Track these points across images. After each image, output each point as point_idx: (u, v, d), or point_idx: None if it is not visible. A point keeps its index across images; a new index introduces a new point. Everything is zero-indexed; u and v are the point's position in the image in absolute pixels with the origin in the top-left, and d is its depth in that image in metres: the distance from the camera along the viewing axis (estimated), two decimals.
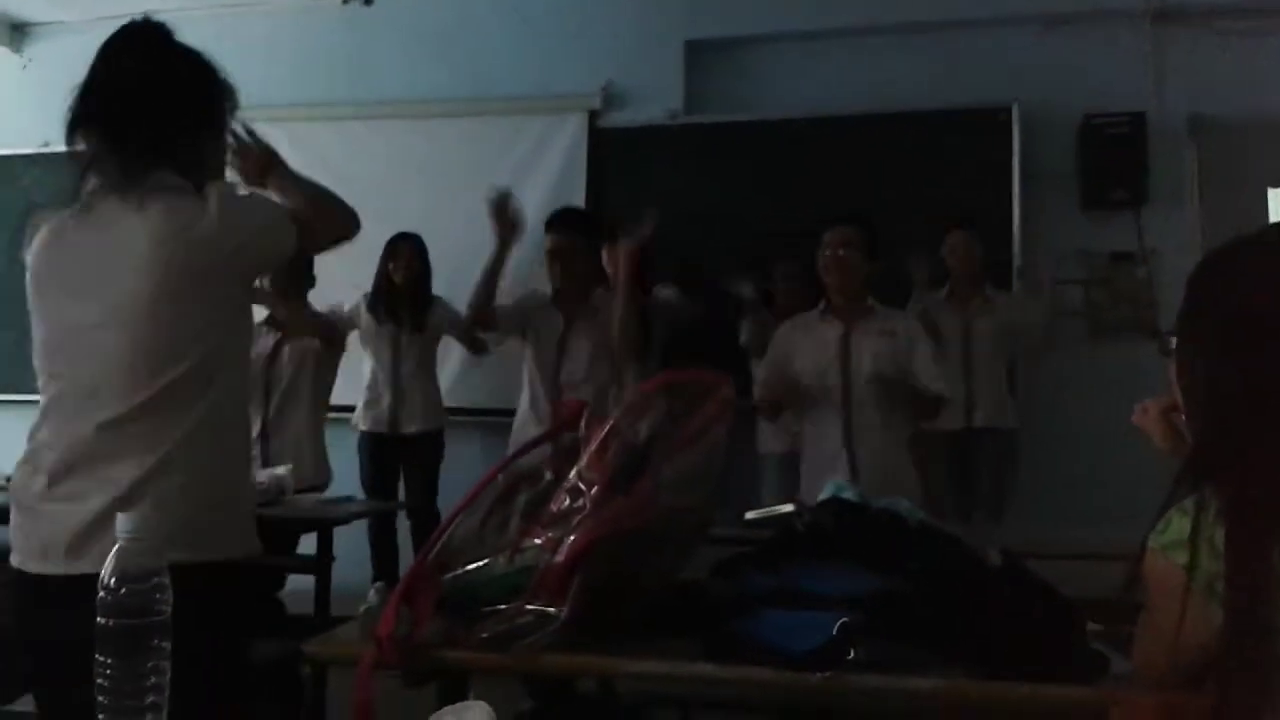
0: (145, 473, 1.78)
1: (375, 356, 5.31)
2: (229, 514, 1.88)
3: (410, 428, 5.28)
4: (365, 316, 5.32)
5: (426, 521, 5.01)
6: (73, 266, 1.90)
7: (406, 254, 5.29)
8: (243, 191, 2.07)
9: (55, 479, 1.82)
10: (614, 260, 5.06)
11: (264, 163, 2.26)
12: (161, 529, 1.06)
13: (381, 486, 5.25)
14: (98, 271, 1.86)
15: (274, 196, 2.17)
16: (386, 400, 5.28)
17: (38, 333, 1.92)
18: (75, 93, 1.98)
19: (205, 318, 1.87)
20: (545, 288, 4.74)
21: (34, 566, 1.81)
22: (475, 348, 5.22)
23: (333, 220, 2.25)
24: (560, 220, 4.62)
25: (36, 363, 1.92)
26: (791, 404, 3.90)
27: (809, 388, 3.81)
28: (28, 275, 1.94)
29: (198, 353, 1.84)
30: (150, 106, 1.93)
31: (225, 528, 1.86)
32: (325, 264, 5.72)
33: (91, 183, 1.95)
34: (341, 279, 5.64)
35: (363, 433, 5.34)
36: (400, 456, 5.33)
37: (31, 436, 1.89)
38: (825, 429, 3.81)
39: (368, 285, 5.44)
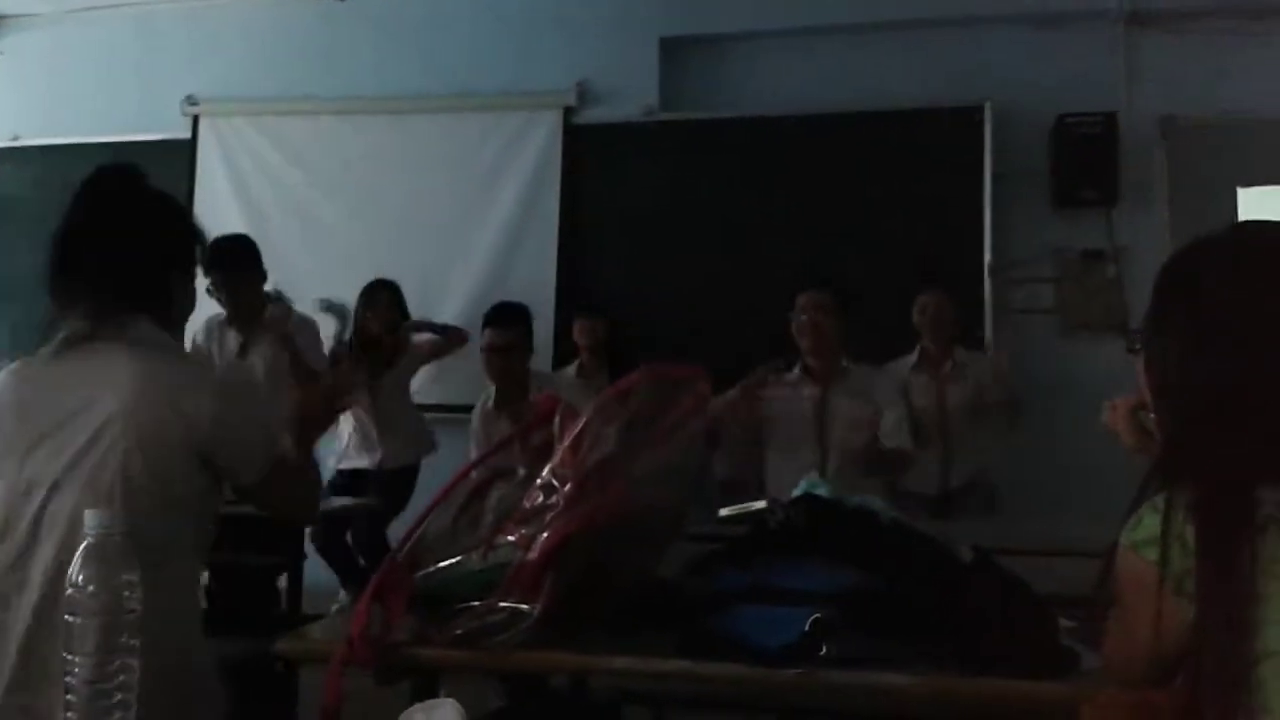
0: None
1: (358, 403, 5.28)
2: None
3: (392, 464, 5.26)
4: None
5: (374, 549, 4.89)
6: (39, 414, 1.78)
7: (384, 302, 5.28)
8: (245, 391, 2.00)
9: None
10: (584, 332, 5.10)
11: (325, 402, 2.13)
12: None
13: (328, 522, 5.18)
14: (64, 423, 1.75)
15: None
16: (374, 439, 5.25)
17: None
18: (55, 238, 1.88)
19: (166, 494, 1.76)
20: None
21: None
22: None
23: (305, 497, 2.06)
24: (495, 317, 4.49)
25: None
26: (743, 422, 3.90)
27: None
28: None
29: (155, 530, 1.66)
30: (125, 252, 1.87)
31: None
32: (298, 260, 5.75)
33: (65, 330, 1.83)
34: (315, 275, 5.64)
35: (339, 471, 5.29)
36: (374, 490, 5.26)
37: None
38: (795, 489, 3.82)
39: (339, 283, 5.41)
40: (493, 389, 4.46)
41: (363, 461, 5.26)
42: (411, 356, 5.36)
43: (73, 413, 1.74)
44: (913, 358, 4.94)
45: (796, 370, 3.99)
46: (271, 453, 1.87)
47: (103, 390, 1.75)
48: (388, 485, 5.17)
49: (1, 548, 1.73)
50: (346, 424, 5.28)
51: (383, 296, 5.28)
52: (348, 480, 5.26)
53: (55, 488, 1.72)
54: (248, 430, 1.86)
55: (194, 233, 2.02)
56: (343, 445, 5.30)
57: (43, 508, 1.72)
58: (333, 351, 4.91)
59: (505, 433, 4.15)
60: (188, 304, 2.02)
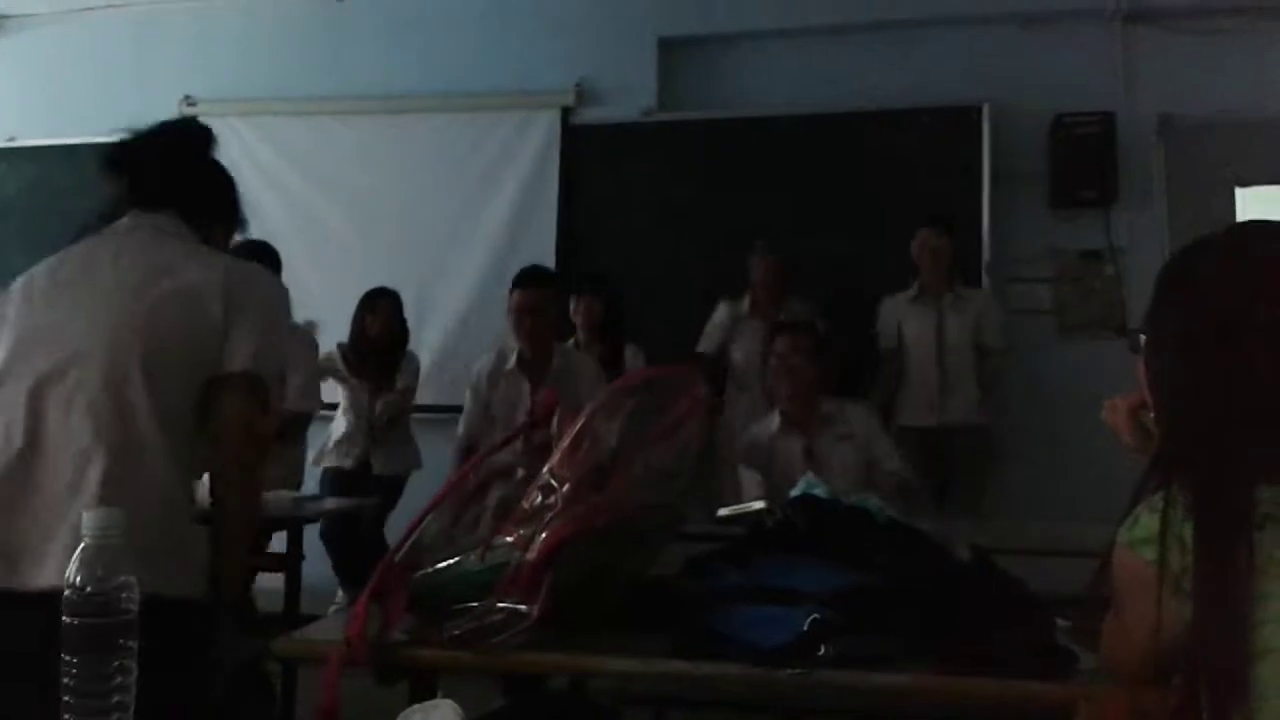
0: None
1: (352, 405, 5.28)
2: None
3: (379, 470, 5.27)
4: (341, 369, 5.28)
5: (371, 551, 4.89)
6: (72, 275, 1.94)
7: (385, 310, 5.26)
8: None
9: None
10: (581, 310, 5.07)
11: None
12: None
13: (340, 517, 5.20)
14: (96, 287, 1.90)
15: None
16: (360, 446, 5.25)
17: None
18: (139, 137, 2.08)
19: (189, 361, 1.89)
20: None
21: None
22: None
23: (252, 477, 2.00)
24: (529, 279, 4.42)
25: None
26: None
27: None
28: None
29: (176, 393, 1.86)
30: (190, 184, 2.08)
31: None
32: (296, 260, 5.73)
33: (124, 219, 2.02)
34: (314, 275, 5.64)
35: (326, 469, 5.30)
36: (364, 490, 5.28)
37: None
38: None
39: (337, 283, 5.42)
40: (513, 353, 4.37)
41: (348, 462, 5.27)
42: (410, 380, 5.35)
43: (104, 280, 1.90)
44: (911, 291, 5.00)
45: (775, 420, 3.88)
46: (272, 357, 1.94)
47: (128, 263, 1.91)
48: (376, 489, 5.19)
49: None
50: (338, 427, 5.28)
51: (383, 303, 5.27)
52: (339, 479, 5.26)
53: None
54: (260, 317, 1.94)
55: (237, 200, 2.19)
56: (329, 445, 5.29)
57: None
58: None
59: (519, 397, 4.25)
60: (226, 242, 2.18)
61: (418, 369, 5.42)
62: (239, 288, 1.93)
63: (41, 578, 1.71)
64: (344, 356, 5.27)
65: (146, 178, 2.04)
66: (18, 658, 1.49)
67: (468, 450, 4.38)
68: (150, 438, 1.81)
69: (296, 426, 4.60)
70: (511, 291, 4.33)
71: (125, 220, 2.00)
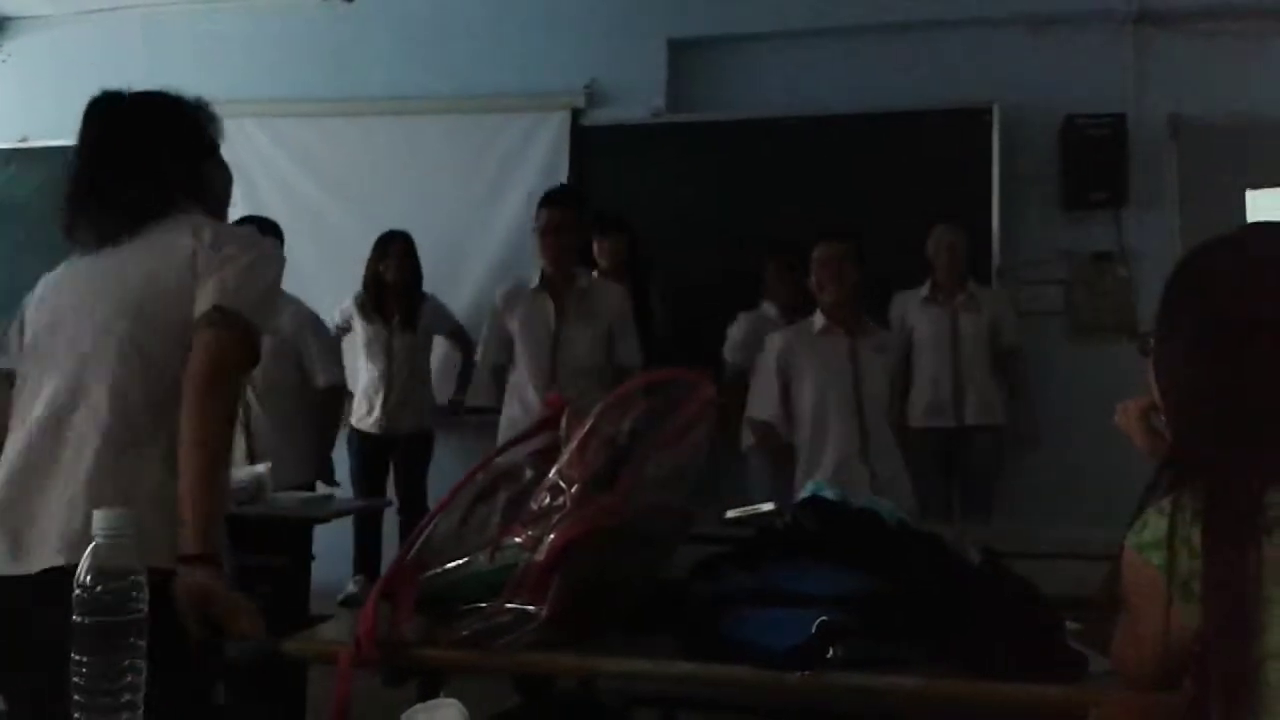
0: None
1: (369, 358, 5.30)
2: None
3: (403, 428, 5.29)
4: (357, 319, 5.32)
5: (416, 520, 4.95)
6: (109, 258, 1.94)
7: (398, 252, 5.29)
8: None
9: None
10: (605, 251, 5.07)
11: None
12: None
13: (370, 485, 5.24)
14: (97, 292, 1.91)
15: None
16: (380, 400, 5.28)
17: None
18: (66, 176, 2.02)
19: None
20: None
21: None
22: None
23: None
24: (557, 196, 4.48)
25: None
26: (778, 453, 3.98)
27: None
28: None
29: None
30: (140, 177, 1.99)
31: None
32: (305, 262, 5.75)
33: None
34: (324, 277, 5.65)
35: (354, 430, 5.34)
36: (391, 455, 5.33)
37: None
38: (835, 441, 3.85)
39: (347, 285, 5.43)
40: (533, 277, 4.43)
41: (372, 426, 5.30)
42: (432, 321, 5.39)
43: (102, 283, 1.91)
44: (924, 290, 4.99)
45: (818, 321, 4.00)
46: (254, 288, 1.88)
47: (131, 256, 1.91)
48: (404, 449, 5.29)
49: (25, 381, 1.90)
50: (360, 379, 5.33)
51: (396, 246, 5.29)
52: (365, 445, 5.30)
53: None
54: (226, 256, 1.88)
55: (199, 115, 2.10)
56: (356, 404, 5.34)
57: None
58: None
59: (543, 316, 4.28)
60: (227, 181, 2.18)
61: (440, 308, 5.47)
62: (220, 243, 1.90)
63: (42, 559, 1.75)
64: (360, 305, 5.29)
65: (116, 216, 1.97)
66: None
67: (492, 376, 4.50)
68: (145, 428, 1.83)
69: (334, 402, 4.64)
70: (539, 210, 4.39)
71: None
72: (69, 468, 1.80)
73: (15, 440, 1.87)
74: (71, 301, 1.93)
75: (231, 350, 1.82)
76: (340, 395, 4.77)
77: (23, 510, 1.81)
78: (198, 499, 1.75)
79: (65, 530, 1.75)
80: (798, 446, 3.99)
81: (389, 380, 5.26)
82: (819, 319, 3.99)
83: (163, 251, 1.89)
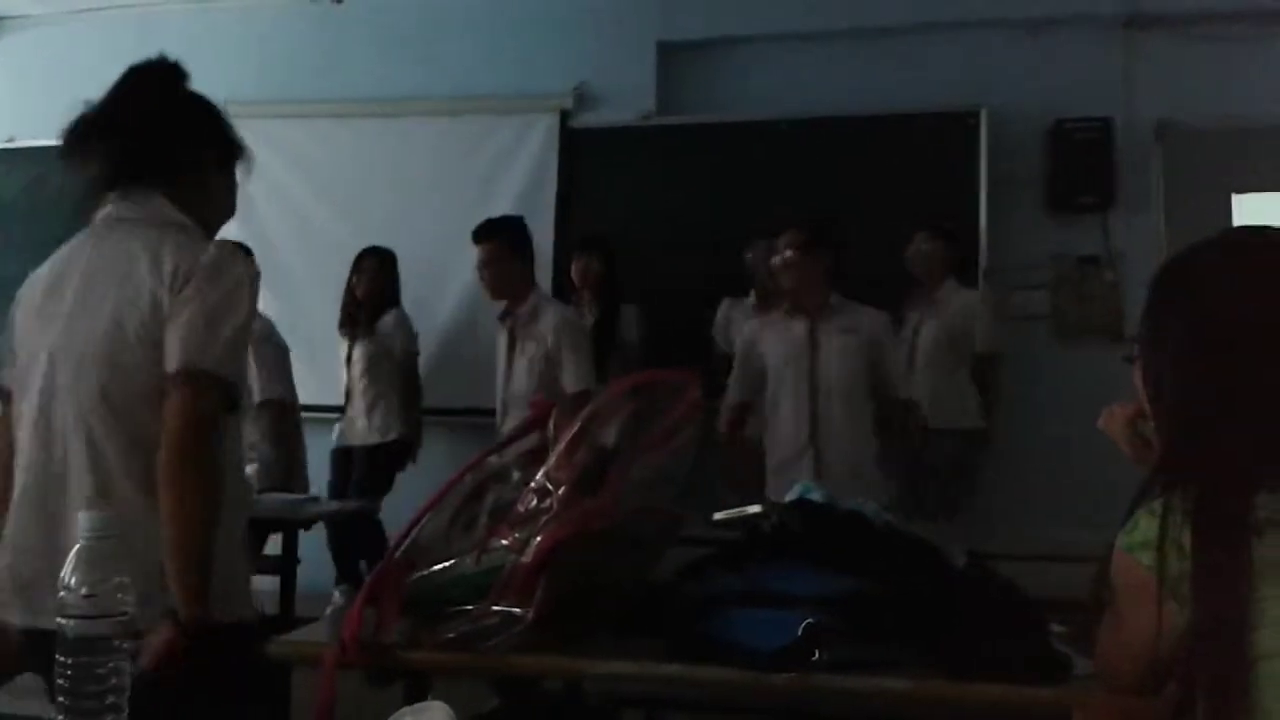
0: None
1: (345, 367, 5.33)
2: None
3: (358, 439, 5.32)
4: (338, 334, 5.35)
5: (365, 532, 4.92)
6: (76, 288, 1.87)
7: (370, 268, 5.32)
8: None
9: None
10: (579, 270, 5.08)
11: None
12: None
13: (341, 497, 5.23)
14: (101, 298, 1.84)
15: None
16: (347, 413, 5.33)
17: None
18: (86, 114, 1.97)
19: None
20: None
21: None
22: None
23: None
24: (481, 230, 4.46)
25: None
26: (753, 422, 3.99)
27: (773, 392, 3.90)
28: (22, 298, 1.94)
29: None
30: (164, 141, 1.95)
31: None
32: (293, 263, 5.74)
33: (102, 209, 1.93)
34: (311, 277, 5.64)
35: (336, 447, 5.37)
36: (353, 467, 5.32)
37: None
38: (790, 426, 3.85)
39: (333, 285, 5.45)
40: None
41: (347, 439, 5.31)
42: (392, 333, 5.36)
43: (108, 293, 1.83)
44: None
45: (783, 309, 4.02)
46: (228, 349, 1.80)
47: (142, 268, 1.82)
48: (370, 464, 5.23)
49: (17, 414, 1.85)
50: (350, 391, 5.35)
51: (369, 263, 5.32)
52: (336, 458, 5.31)
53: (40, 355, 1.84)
54: (204, 315, 1.79)
55: (231, 136, 2.07)
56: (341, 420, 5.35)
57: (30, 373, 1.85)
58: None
59: (501, 347, 4.27)
60: (228, 205, 2.08)
61: (404, 325, 5.41)
62: (180, 284, 1.80)
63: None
64: (339, 322, 5.35)
65: (120, 159, 1.93)
66: None
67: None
68: (119, 481, 1.78)
69: (284, 422, 4.63)
70: None
71: (106, 211, 1.92)
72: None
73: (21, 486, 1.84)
74: (52, 341, 1.85)
75: (205, 409, 1.76)
76: (281, 409, 4.70)
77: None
78: (179, 571, 1.71)
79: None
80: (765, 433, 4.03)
81: (349, 391, 5.29)
82: (783, 307, 4.02)
83: (129, 289, 1.81)
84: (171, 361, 1.76)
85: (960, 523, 4.71)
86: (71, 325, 1.83)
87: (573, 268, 5.19)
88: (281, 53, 6.35)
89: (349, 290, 5.34)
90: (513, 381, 4.29)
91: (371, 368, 5.32)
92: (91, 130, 1.94)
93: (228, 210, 2.09)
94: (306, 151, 6.26)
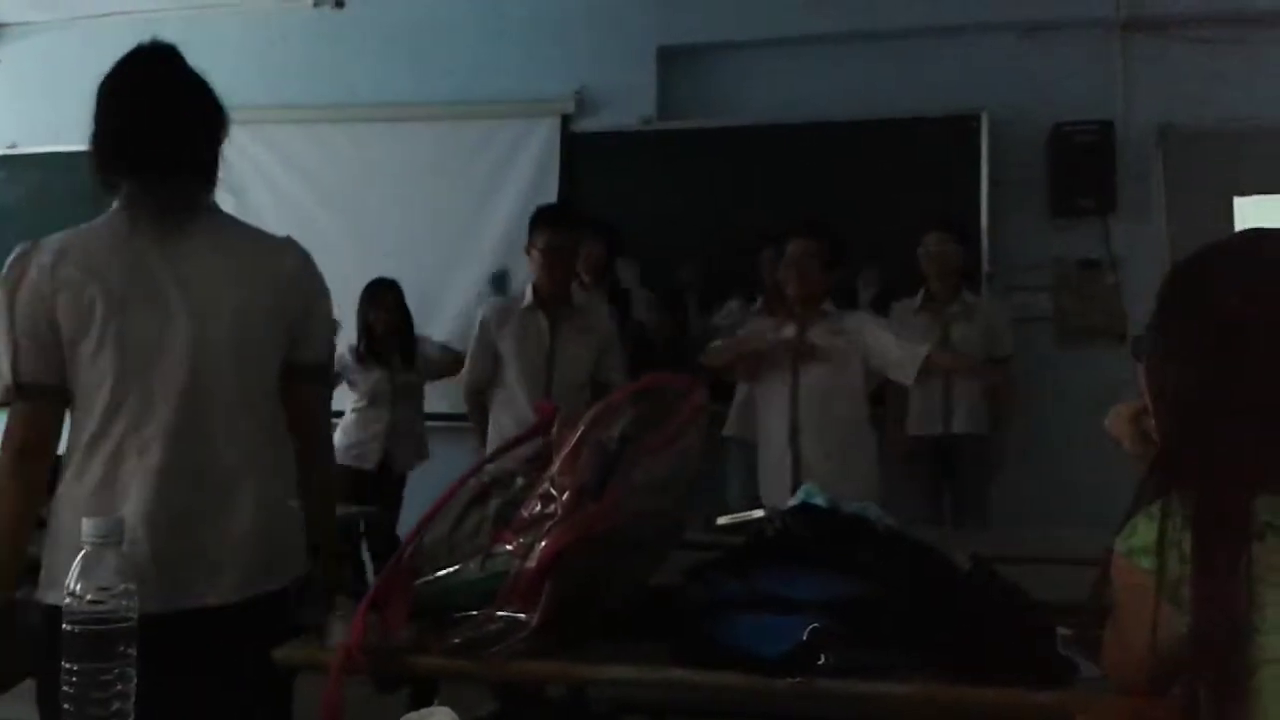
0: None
1: (370, 400, 5.29)
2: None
3: (401, 467, 5.31)
4: (351, 363, 5.31)
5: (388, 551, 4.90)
6: (152, 289, 1.88)
7: (388, 303, 5.28)
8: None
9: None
10: (588, 259, 5.06)
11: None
12: None
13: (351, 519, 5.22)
14: (179, 297, 1.88)
15: None
16: (381, 441, 5.27)
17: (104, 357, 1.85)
18: (103, 114, 1.97)
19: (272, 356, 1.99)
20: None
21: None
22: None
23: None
24: (561, 219, 4.34)
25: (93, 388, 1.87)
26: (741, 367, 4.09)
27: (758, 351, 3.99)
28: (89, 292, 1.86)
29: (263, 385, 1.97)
30: (191, 131, 1.98)
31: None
32: None
33: (137, 211, 1.92)
34: None
35: (348, 469, 5.31)
36: (378, 492, 5.30)
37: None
38: (775, 427, 3.93)
39: (334, 292, 5.43)
40: (525, 292, 4.34)
41: (360, 463, 5.27)
42: (428, 363, 5.38)
43: (175, 282, 1.88)
44: (916, 301, 4.97)
45: (781, 313, 4.07)
46: (331, 342, 2.16)
47: (208, 261, 1.91)
48: (385, 489, 5.20)
49: (124, 407, 1.84)
50: (355, 426, 5.30)
51: (388, 296, 5.28)
52: (359, 481, 5.27)
53: (168, 349, 1.85)
54: (321, 308, 2.11)
55: (222, 106, 2.06)
56: (342, 443, 5.31)
57: (156, 367, 1.85)
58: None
59: (535, 334, 4.22)
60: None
61: (437, 346, 5.46)
62: (305, 278, 2.06)
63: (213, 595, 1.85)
64: (356, 354, 5.29)
65: (153, 158, 1.93)
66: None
67: (475, 394, 4.44)
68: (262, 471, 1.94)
69: None
70: (536, 228, 4.24)
71: (145, 206, 1.91)
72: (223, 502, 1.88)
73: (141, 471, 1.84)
74: (159, 322, 1.87)
75: (327, 406, 2.14)
76: None
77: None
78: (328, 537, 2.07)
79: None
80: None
81: (392, 419, 5.27)
82: (782, 313, 4.06)
83: (264, 272, 1.97)
84: (310, 353, 2.02)
85: (972, 527, 4.71)
86: (193, 316, 1.87)
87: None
88: (282, 58, 6.36)
89: (366, 324, 5.28)
90: (561, 369, 4.23)
91: (411, 406, 5.36)
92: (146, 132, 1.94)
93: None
94: (307, 156, 6.27)
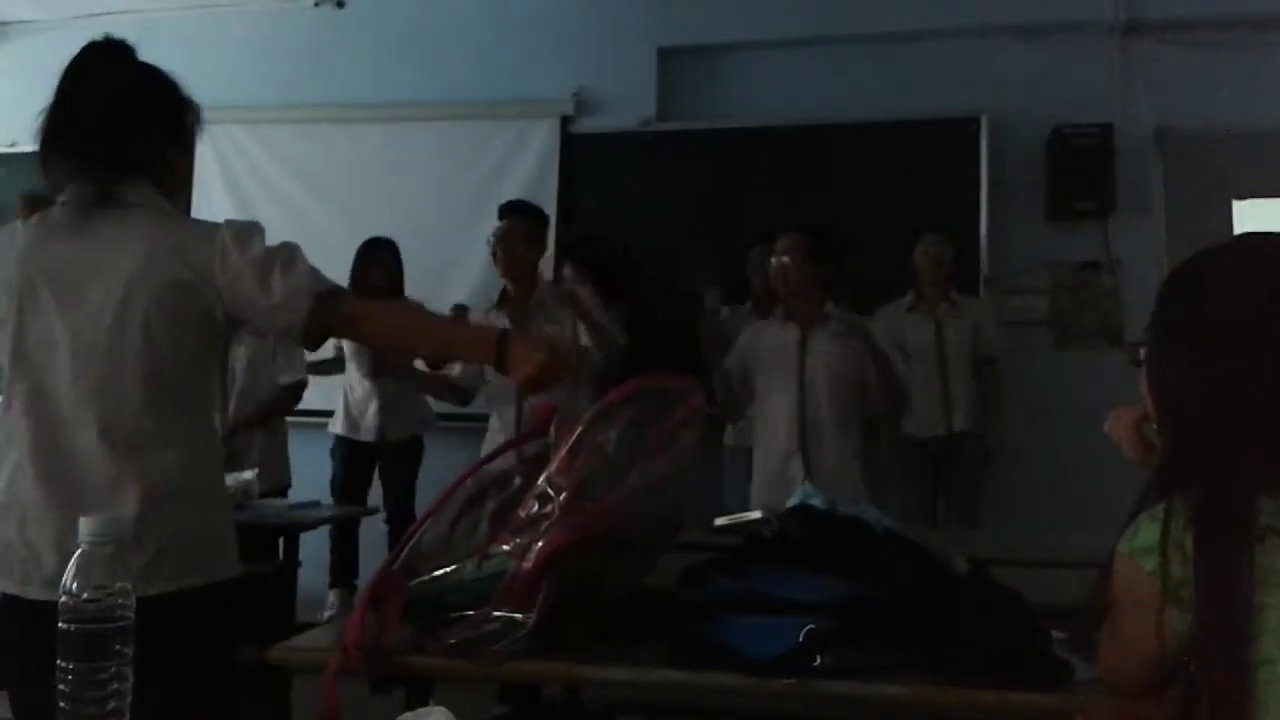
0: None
1: (360, 366, 5.26)
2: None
3: (396, 434, 5.26)
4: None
5: (406, 526, 4.92)
6: (64, 275, 1.88)
7: (387, 259, 5.20)
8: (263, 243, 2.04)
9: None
10: (579, 274, 5.05)
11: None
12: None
13: (352, 492, 5.21)
14: (89, 283, 1.86)
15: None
16: (374, 407, 5.23)
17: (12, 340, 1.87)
18: (45, 110, 2.03)
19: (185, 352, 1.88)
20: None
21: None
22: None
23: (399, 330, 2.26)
24: (507, 206, 4.43)
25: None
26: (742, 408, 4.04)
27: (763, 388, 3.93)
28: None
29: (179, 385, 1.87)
30: (122, 122, 1.98)
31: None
32: None
33: (68, 195, 1.97)
34: None
35: (338, 437, 5.31)
36: (378, 462, 5.30)
37: None
38: (779, 431, 3.86)
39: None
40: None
41: (361, 435, 5.26)
42: None
43: (92, 273, 1.86)
44: (907, 300, 4.98)
45: (778, 313, 4.02)
46: (310, 292, 1.98)
47: (119, 253, 1.86)
48: (394, 456, 5.22)
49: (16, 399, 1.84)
50: (350, 393, 5.30)
51: (384, 253, 5.20)
52: (351, 452, 5.27)
53: (77, 349, 1.82)
54: (260, 274, 1.93)
55: (186, 103, 2.08)
56: (341, 413, 5.30)
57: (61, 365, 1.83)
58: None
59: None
60: (186, 175, 2.12)
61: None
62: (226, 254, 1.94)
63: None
64: None
65: (96, 160, 1.96)
66: None
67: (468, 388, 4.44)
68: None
69: (293, 400, 4.67)
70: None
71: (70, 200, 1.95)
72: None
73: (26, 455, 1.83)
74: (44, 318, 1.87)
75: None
76: (300, 392, 4.71)
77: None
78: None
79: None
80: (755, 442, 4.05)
81: (383, 385, 5.21)
82: (778, 312, 4.01)
83: (154, 256, 1.87)
84: (284, 320, 1.96)
85: (958, 526, 4.71)
86: (76, 312, 1.84)
87: (567, 273, 5.16)
88: (282, 58, 6.35)
89: (364, 281, 5.13)
90: None
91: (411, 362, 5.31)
92: (59, 128, 2.02)
93: (188, 179, 2.19)
94: (306, 156, 6.27)
